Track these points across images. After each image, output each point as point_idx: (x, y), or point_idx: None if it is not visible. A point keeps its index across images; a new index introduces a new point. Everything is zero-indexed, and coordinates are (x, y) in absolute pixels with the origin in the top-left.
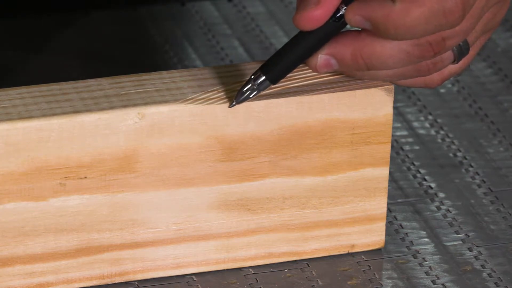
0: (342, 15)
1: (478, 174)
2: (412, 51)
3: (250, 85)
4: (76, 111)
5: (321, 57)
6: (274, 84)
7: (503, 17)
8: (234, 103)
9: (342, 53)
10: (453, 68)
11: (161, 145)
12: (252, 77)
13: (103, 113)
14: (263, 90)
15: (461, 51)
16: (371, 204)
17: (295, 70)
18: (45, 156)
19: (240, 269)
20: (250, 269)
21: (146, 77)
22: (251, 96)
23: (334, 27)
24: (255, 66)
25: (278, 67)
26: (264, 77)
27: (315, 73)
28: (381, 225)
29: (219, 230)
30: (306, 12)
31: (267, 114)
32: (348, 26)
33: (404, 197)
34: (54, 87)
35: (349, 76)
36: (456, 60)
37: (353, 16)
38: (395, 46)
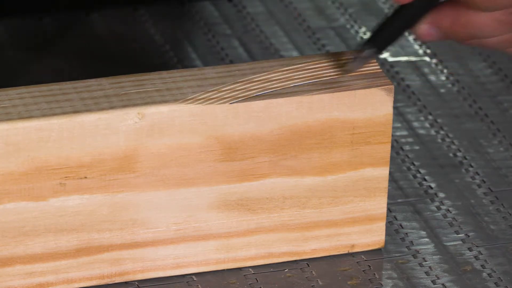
0: None
1: (478, 174)
2: (506, 18)
3: (359, 53)
4: (76, 111)
5: (422, 27)
6: (381, 53)
7: None
8: (348, 69)
9: (441, 22)
10: None
11: (161, 145)
12: (361, 46)
13: (103, 113)
14: (371, 59)
15: None
16: (371, 204)
17: (299, 69)
18: (45, 156)
19: (240, 269)
20: (250, 269)
21: (146, 77)
22: (359, 63)
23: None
24: (255, 66)
25: (385, 36)
26: (372, 48)
27: (315, 73)
28: (381, 225)
29: (219, 230)
30: None
31: (267, 114)
32: None
33: (404, 197)
34: (54, 87)
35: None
36: None
37: None
38: (488, 15)
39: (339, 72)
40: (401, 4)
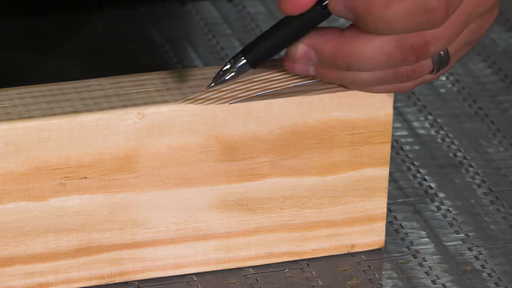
0: (327, 3)
1: (478, 174)
2: (394, 53)
3: (229, 67)
4: (76, 111)
5: (301, 47)
6: (253, 68)
7: (487, 30)
8: (213, 84)
9: (322, 46)
10: (428, 76)
11: (161, 145)
12: (232, 60)
13: (103, 113)
14: (242, 73)
15: (442, 60)
16: (371, 204)
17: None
18: (45, 156)
19: (240, 269)
20: (250, 269)
21: (146, 77)
22: (227, 78)
23: (319, 16)
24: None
25: (258, 50)
26: (244, 60)
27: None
28: (381, 225)
29: (219, 230)
30: None
31: (267, 114)
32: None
33: (404, 197)
34: (54, 87)
35: (328, 82)
36: (435, 70)
37: (336, 4)
38: (377, 47)
39: (206, 86)
40: (285, 17)
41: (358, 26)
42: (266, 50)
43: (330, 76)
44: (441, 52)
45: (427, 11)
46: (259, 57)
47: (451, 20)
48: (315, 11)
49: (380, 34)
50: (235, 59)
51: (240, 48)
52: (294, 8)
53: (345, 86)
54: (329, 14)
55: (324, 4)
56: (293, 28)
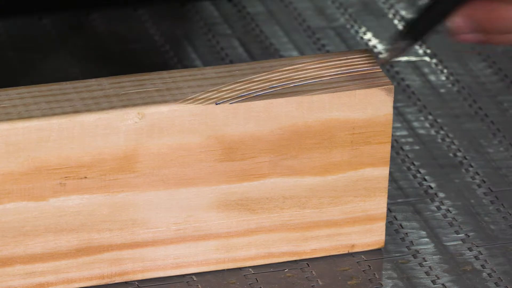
0: None
1: (478, 174)
2: None
3: (395, 42)
4: (76, 111)
5: (457, 19)
6: (416, 42)
7: None
8: (384, 59)
9: (475, 14)
10: None
11: (161, 145)
12: (398, 35)
13: (103, 113)
14: (407, 47)
15: None
16: (371, 204)
17: (302, 69)
18: (45, 156)
19: (240, 269)
20: (250, 269)
21: (146, 77)
22: (395, 52)
23: None
24: (255, 66)
25: (421, 26)
26: (408, 35)
27: (315, 73)
28: (381, 225)
29: (219, 230)
30: None
31: (267, 114)
32: None
33: (404, 197)
34: (54, 87)
35: (493, 43)
36: None
37: None
38: None
39: (375, 63)
40: None
41: None
42: (427, 26)
43: (495, 39)
44: None
45: None
46: (422, 32)
47: None
48: None
49: None
50: (400, 37)
51: (240, 48)
52: None
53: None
54: None
55: None
56: (446, 4)
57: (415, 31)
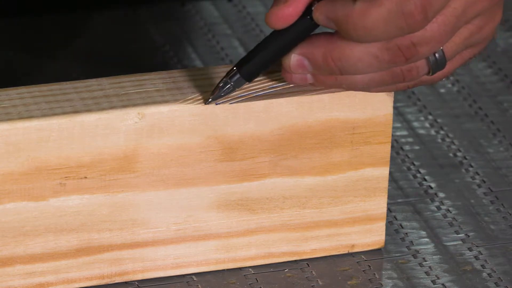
0: None
1: (478, 174)
2: (382, 55)
3: (225, 82)
4: (76, 111)
5: (294, 57)
6: (248, 81)
7: (492, 32)
8: (210, 100)
9: (314, 53)
10: (426, 78)
11: (161, 145)
12: (227, 75)
13: (103, 113)
14: (238, 87)
15: (437, 63)
16: (371, 204)
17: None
18: (45, 156)
19: (240, 269)
20: (250, 269)
21: (146, 77)
22: (224, 93)
23: (308, 26)
24: None
25: (251, 64)
26: (238, 75)
27: None
28: (381, 225)
29: (219, 230)
30: (277, 10)
31: (267, 114)
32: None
33: (404, 197)
34: (54, 87)
35: (327, 88)
36: (430, 71)
37: (320, 15)
38: (364, 49)
39: (203, 101)
40: (275, 30)
41: (342, 35)
42: (260, 64)
43: (328, 82)
44: (436, 54)
45: (405, 15)
46: (254, 71)
47: (439, 22)
48: (303, 23)
49: (364, 42)
50: (230, 74)
51: (240, 48)
52: (280, 22)
53: (345, 90)
54: (317, 24)
55: (310, 15)
56: (284, 40)
57: (248, 70)
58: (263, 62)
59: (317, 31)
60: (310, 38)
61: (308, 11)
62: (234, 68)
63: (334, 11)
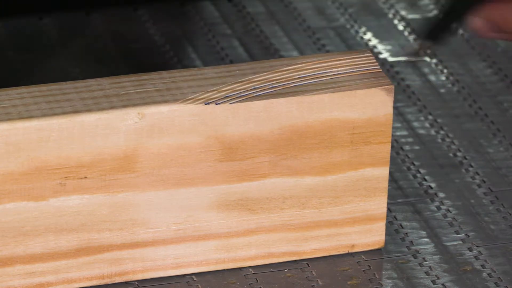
0: None
1: (478, 174)
2: None
3: (416, 45)
4: (76, 111)
5: (475, 19)
6: (437, 44)
7: None
8: (414, 48)
9: (493, 15)
10: None
11: (161, 145)
12: (418, 38)
13: (103, 113)
14: (427, 49)
15: None
16: (371, 204)
17: (304, 69)
18: (45, 156)
19: (240, 269)
20: (250, 269)
21: (146, 77)
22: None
23: None
24: (255, 66)
25: (439, 28)
26: (429, 38)
27: (315, 73)
28: (381, 225)
29: (219, 230)
30: None
31: (267, 114)
32: None
33: (404, 197)
34: (54, 87)
35: None
36: None
37: None
38: None
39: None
40: None
41: None
42: (445, 27)
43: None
44: None
45: None
46: (442, 34)
47: None
48: None
49: None
50: (422, 38)
51: (240, 48)
52: None
53: None
54: None
55: None
56: (464, 4)
57: (436, 32)
58: (449, 25)
59: None
60: (489, 2)
61: None
62: (425, 33)
63: None
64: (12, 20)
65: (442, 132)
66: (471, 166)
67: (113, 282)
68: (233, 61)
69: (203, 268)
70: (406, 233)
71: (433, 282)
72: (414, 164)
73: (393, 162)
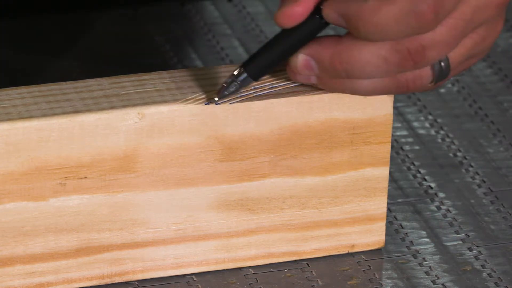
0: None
1: (478, 174)
2: (391, 57)
3: (232, 80)
4: (76, 111)
5: (301, 57)
6: (255, 80)
7: (492, 44)
8: (217, 99)
9: (321, 54)
10: (428, 86)
11: (161, 145)
12: (235, 73)
13: (103, 113)
14: (245, 86)
15: (441, 72)
16: (371, 204)
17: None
18: (45, 156)
19: (240, 269)
20: (250, 269)
21: (146, 77)
22: (231, 91)
23: (316, 26)
24: None
25: (259, 63)
26: (245, 74)
27: None
28: (381, 225)
29: (219, 230)
30: (286, 8)
31: (267, 114)
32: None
33: (404, 197)
34: (54, 87)
35: (330, 91)
36: (434, 80)
37: (330, 12)
38: (373, 50)
39: (207, 99)
40: (283, 29)
41: (352, 33)
42: (267, 63)
43: (332, 85)
44: (442, 63)
45: (416, 14)
46: (261, 70)
47: (448, 26)
48: (312, 21)
49: (373, 40)
50: (236, 73)
51: (240, 48)
52: (289, 20)
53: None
54: (326, 23)
55: (320, 14)
56: (293, 40)
57: (255, 69)
58: (270, 61)
59: (324, 33)
60: (319, 39)
61: (317, 10)
62: (241, 67)
63: (345, 7)
64: (12, 20)
65: (442, 132)
66: (471, 166)
67: (113, 282)
68: (233, 61)
69: (203, 268)
70: (406, 233)
71: (433, 282)
72: (414, 164)
73: (393, 162)
